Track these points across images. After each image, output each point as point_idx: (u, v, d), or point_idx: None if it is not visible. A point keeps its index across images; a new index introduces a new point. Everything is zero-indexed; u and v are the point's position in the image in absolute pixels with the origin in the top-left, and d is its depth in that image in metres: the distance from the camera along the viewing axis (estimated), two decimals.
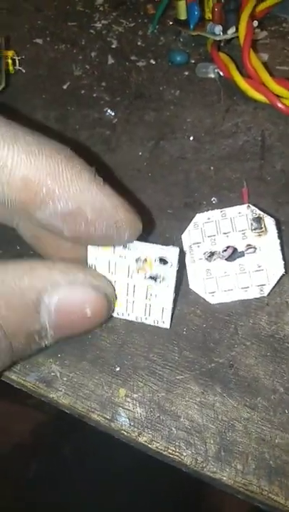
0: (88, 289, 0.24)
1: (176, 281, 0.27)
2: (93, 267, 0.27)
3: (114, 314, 0.29)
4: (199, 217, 0.31)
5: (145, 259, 0.27)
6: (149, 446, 0.26)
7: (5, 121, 0.23)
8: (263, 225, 0.30)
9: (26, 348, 0.24)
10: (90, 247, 0.27)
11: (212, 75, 0.44)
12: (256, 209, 0.30)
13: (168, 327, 0.29)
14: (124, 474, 0.85)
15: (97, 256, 0.27)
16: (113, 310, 0.28)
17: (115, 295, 0.27)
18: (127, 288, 0.28)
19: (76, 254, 0.27)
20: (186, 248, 0.31)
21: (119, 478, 0.85)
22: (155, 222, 0.35)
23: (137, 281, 0.27)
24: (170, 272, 0.26)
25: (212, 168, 0.37)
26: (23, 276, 0.23)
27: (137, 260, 0.27)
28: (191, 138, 0.40)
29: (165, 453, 0.26)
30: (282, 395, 0.27)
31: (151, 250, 0.26)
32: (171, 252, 0.26)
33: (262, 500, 0.25)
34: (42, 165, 0.22)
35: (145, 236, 0.26)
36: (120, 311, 0.29)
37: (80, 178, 0.23)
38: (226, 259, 0.30)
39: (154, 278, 0.27)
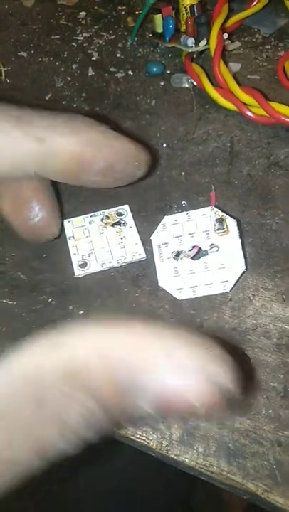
0: (201, 379, 0.19)
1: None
2: (73, 238, 0.36)
3: (99, 266, 0.34)
4: (167, 220, 0.33)
5: (107, 216, 0.37)
6: (120, 432, 0.28)
7: (39, 112, 0.28)
8: (225, 226, 0.32)
9: (125, 419, 0.23)
10: (65, 223, 0.36)
11: (186, 85, 0.46)
12: (219, 211, 0.32)
13: (145, 256, 0.35)
14: (115, 474, 0.86)
15: (73, 228, 0.37)
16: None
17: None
18: (102, 242, 0.36)
19: None
20: (155, 248, 0.33)
21: (115, 474, 0.87)
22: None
23: (108, 233, 0.36)
24: (128, 218, 0.37)
25: (183, 173, 0.40)
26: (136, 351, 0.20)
27: (102, 219, 0.37)
28: (164, 145, 0.42)
29: (133, 438, 0.28)
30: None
31: (110, 209, 0.37)
32: (124, 206, 0.37)
33: (221, 481, 0.27)
34: (80, 139, 0.28)
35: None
36: (104, 261, 0.35)
37: (107, 139, 0.29)
38: (191, 258, 0.32)
39: (118, 224, 0.36)
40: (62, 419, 0.20)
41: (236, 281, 0.31)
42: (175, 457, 0.27)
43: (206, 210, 0.32)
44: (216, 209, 0.32)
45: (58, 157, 0.28)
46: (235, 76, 0.43)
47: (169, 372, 0.19)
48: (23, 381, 0.20)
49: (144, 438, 0.28)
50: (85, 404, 0.20)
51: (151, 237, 0.33)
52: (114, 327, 0.20)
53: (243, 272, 0.31)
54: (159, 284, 0.32)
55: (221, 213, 0.32)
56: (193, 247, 0.32)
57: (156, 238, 0.33)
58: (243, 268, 0.31)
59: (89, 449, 0.21)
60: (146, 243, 0.35)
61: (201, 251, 0.32)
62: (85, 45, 0.54)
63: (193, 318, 0.32)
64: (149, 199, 0.38)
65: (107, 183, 0.31)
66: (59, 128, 0.28)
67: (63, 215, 0.38)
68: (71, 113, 0.30)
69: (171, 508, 0.86)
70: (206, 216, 0.32)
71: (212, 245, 0.32)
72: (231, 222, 0.32)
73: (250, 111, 0.41)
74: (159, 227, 0.33)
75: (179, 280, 0.32)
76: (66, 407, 0.20)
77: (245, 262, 0.32)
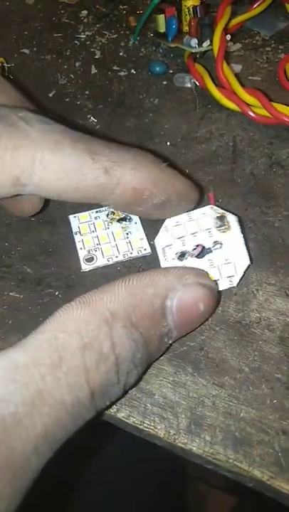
0: (199, 287, 0.27)
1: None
2: (79, 233, 0.37)
3: (105, 261, 0.35)
4: (168, 222, 0.34)
5: (112, 212, 0.37)
6: (127, 421, 0.29)
7: (106, 144, 0.29)
8: (226, 222, 0.33)
9: (158, 351, 0.28)
10: (71, 218, 0.37)
11: (188, 85, 0.47)
12: (219, 208, 0.33)
13: (150, 252, 0.35)
14: (109, 470, 0.87)
15: (79, 224, 0.37)
16: (219, 302, 0.33)
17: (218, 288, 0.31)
18: (108, 237, 0.36)
19: None
20: (159, 251, 0.33)
21: (106, 474, 0.87)
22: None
23: (113, 228, 0.37)
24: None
25: (187, 171, 0.40)
26: (147, 287, 0.26)
27: (107, 215, 0.37)
28: (168, 143, 0.43)
29: (141, 427, 0.29)
30: (247, 375, 0.30)
31: None
32: None
33: (228, 468, 0.28)
34: (143, 175, 0.29)
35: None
36: (110, 256, 0.35)
37: (167, 176, 0.31)
38: (196, 257, 0.33)
39: (124, 219, 0.37)
40: (114, 354, 0.24)
41: (242, 276, 0.32)
42: (182, 445, 0.28)
43: (206, 209, 0.33)
44: (215, 207, 0.33)
45: (121, 190, 0.29)
46: (237, 77, 0.44)
47: (182, 290, 0.27)
48: (69, 332, 0.24)
49: (152, 427, 0.29)
50: (132, 337, 0.25)
51: (154, 241, 0.34)
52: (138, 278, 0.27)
53: (248, 266, 0.32)
54: None
55: (221, 211, 0.33)
56: (197, 245, 0.33)
57: (159, 241, 0.34)
58: (247, 262, 0.32)
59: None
60: (151, 238, 0.36)
61: (205, 249, 0.33)
62: (87, 43, 0.54)
63: None
64: None
65: (159, 216, 0.33)
66: (126, 162, 0.29)
67: (69, 210, 0.39)
68: (135, 149, 0.31)
69: (162, 508, 0.87)
70: (206, 215, 0.33)
71: (215, 242, 0.33)
72: (232, 218, 0.33)
73: (253, 111, 0.42)
74: (162, 230, 0.34)
75: None
76: (115, 341, 0.24)
77: (250, 256, 0.32)
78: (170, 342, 0.28)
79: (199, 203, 0.33)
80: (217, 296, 0.29)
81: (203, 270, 0.31)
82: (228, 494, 0.88)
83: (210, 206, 0.33)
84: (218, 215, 0.32)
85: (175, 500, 0.90)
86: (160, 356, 0.30)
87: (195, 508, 0.92)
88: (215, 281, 0.31)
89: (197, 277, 0.28)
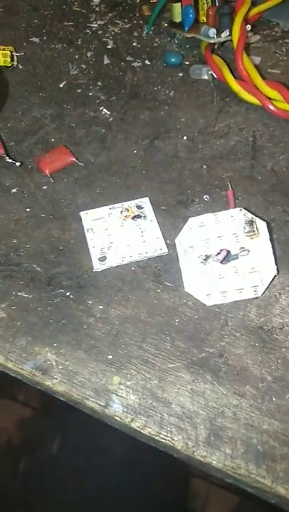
0: None
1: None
2: (91, 230, 0.35)
3: (119, 261, 0.33)
4: (192, 221, 0.32)
5: (126, 209, 0.36)
6: (142, 431, 0.27)
7: None
8: (255, 228, 0.31)
9: None
10: (82, 215, 0.36)
11: (205, 77, 0.45)
12: (248, 212, 0.31)
13: (166, 251, 0.33)
14: (110, 467, 0.86)
15: (91, 220, 0.35)
16: None
17: None
18: (122, 235, 0.34)
19: None
20: (180, 251, 0.32)
21: (105, 471, 0.86)
22: None
23: (128, 225, 0.35)
24: (148, 211, 0.36)
25: (204, 166, 0.39)
26: None
27: (121, 212, 0.36)
28: (185, 137, 0.41)
29: (157, 438, 0.27)
30: (270, 384, 0.28)
31: (130, 202, 0.36)
32: (144, 199, 0.36)
33: (249, 483, 0.26)
34: None
35: None
36: (124, 255, 0.33)
37: None
38: (220, 262, 0.31)
39: (138, 217, 0.35)
40: None
41: (268, 286, 0.30)
42: (201, 459, 0.27)
43: (235, 211, 0.31)
44: (244, 210, 0.31)
45: None
46: (257, 69, 0.42)
47: None
48: None
49: (169, 438, 0.27)
50: None
51: (175, 240, 0.32)
52: None
53: (275, 276, 0.30)
54: (186, 289, 0.31)
55: (251, 215, 0.31)
56: (222, 250, 0.31)
57: (181, 241, 0.32)
58: (274, 272, 0.30)
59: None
60: (168, 237, 0.34)
61: (230, 254, 0.31)
62: (99, 32, 0.52)
63: (217, 316, 0.31)
64: (169, 192, 0.37)
65: None
66: None
67: (80, 206, 0.37)
68: None
69: (164, 506, 0.86)
70: (234, 218, 0.31)
71: (242, 248, 0.31)
72: (261, 225, 0.31)
73: (274, 105, 0.40)
74: (185, 229, 0.32)
75: (207, 285, 0.31)
76: None
77: (276, 264, 0.31)
78: None
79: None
80: None
81: None
82: (230, 492, 0.87)
83: (239, 209, 0.31)
84: (248, 219, 0.31)
85: (176, 498, 0.89)
86: None
87: (196, 506, 0.91)
88: None
89: None
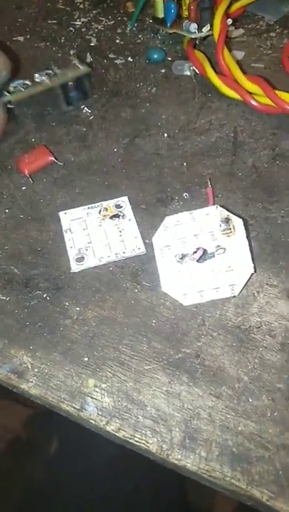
0: None
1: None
2: (69, 231, 0.34)
3: (97, 261, 0.33)
4: (169, 220, 0.31)
5: (105, 208, 0.35)
6: (116, 434, 0.27)
7: None
8: (231, 226, 0.30)
9: None
10: (61, 215, 0.35)
11: (188, 73, 0.45)
12: (224, 210, 0.31)
13: (144, 251, 0.33)
14: (113, 468, 0.86)
15: (70, 220, 0.35)
16: None
17: None
18: (100, 235, 0.34)
19: None
20: (156, 251, 0.31)
21: (108, 472, 0.86)
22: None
23: (106, 225, 0.34)
24: (126, 210, 0.35)
25: (185, 164, 0.38)
26: None
27: (100, 211, 0.35)
28: (166, 134, 0.40)
29: (131, 441, 0.27)
30: (247, 384, 0.28)
31: (109, 201, 0.36)
32: (123, 198, 0.36)
33: (224, 486, 0.26)
34: None
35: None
36: (102, 256, 0.33)
37: None
38: (196, 261, 0.30)
39: (117, 216, 0.35)
40: None
41: (245, 284, 0.30)
42: (176, 462, 0.26)
43: (211, 209, 0.31)
44: (220, 208, 0.31)
45: None
46: (239, 64, 0.41)
47: None
48: None
49: (144, 441, 0.27)
50: None
51: (152, 239, 0.31)
52: None
53: (252, 274, 0.30)
54: (163, 289, 0.31)
55: (227, 213, 0.30)
56: (198, 248, 0.30)
57: (157, 240, 0.31)
58: (251, 270, 0.30)
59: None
60: (146, 237, 0.34)
61: (206, 253, 0.31)
62: (83, 30, 0.52)
63: (194, 316, 0.31)
64: (149, 190, 0.37)
65: None
66: None
67: (59, 206, 0.36)
68: None
69: (165, 507, 0.86)
70: (210, 216, 0.31)
71: (218, 247, 0.30)
72: (238, 222, 0.30)
73: (255, 100, 0.39)
74: (161, 229, 0.31)
75: (184, 285, 0.31)
76: None
77: (253, 262, 0.30)
78: None
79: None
80: None
81: None
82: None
83: (215, 206, 0.31)
84: (224, 217, 0.30)
85: (178, 498, 0.89)
86: None
87: (198, 505, 0.90)
88: None
89: None
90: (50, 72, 0.41)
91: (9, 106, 0.40)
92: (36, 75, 0.41)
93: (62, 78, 0.41)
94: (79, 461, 0.88)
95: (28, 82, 0.40)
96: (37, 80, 0.41)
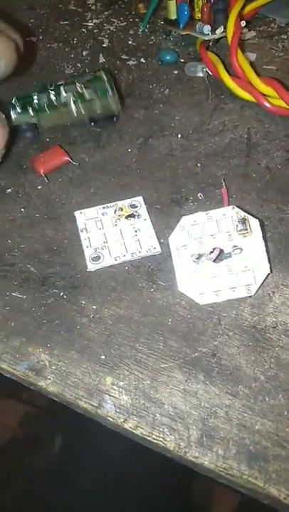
0: None
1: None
2: (85, 230, 0.35)
3: (113, 260, 0.33)
4: (185, 220, 0.32)
5: (121, 208, 0.36)
6: (134, 432, 0.27)
7: None
8: (248, 226, 0.31)
9: None
10: (77, 215, 0.35)
11: (201, 74, 0.45)
12: (241, 210, 0.31)
13: (160, 251, 0.33)
14: (115, 464, 0.86)
15: (85, 220, 0.35)
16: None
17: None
18: (116, 235, 0.34)
19: None
20: (173, 251, 0.32)
21: (110, 468, 0.86)
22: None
23: (121, 225, 0.35)
24: (142, 210, 0.35)
25: (199, 165, 0.38)
26: None
27: (115, 211, 0.35)
28: (179, 135, 0.41)
29: (149, 438, 0.27)
30: (263, 383, 0.28)
31: (124, 201, 0.36)
32: (138, 198, 0.36)
33: (242, 484, 0.26)
34: None
35: None
36: (118, 255, 0.33)
37: None
38: (213, 261, 0.31)
39: (132, 216, 0.35)
40: None
41: (261, 284, 0.30)
42: (193, 459, 0.26)
43: (228, 209, 0.31)
44: (237, 208, 0.31)
45: None
46: (252, 66, 0.42)
47: None
48: None
49: (161, 439, 0.27)
50: None
51: (168, 239, 0.32)
52: None
53: (268, 275, 0.30)
54: (179, 289, 0.31)
55: (243, 213, 0.31)
56: (214, 248, 0.31)
57: (174, 240, 0.32)
58: (267, 271, 0.30)
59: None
60: (161, 237, 0.34)
61: (223, 253, 0.31)
62: (95, 31, 0.52)
63: (210, 315, 0.31)
64: (163, 191, 0.37)
65: None
66: None
67: (74, 206, 0.37)
68: None
69: (167, 504, 0.86)
70: (227, 216, 0.31)
71: (235, 247, 0.31)
72: (254, 223, 0.31)
73: (269, 102, 0.40)
74: (177, 229, 0.32)
75: (200, 284, 0.31)
76: None
77: (269, 263, 0.30)
78: None
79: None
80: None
81: None
82: (233, 490, 0.86)
83: (231, 207, 0.31)
84: (240, 217, 0.30)
85: (180, 496, 0.89)
86: None
87: (200, 503, 0.91)
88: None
89: None
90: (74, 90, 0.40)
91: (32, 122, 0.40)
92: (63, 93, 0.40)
93: (89, 108, 0.40)
94: (82, 458, 0.88)
95: (52, 94, 0.39)
96: (63, 100, 0.40)
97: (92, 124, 0.41)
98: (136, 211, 0.36)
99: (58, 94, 0.40)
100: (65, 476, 0.87)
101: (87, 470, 0.87)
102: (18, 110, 0.39)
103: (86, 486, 0.85)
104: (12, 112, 0.39)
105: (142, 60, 0.48)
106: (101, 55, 0.49)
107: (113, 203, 0.36)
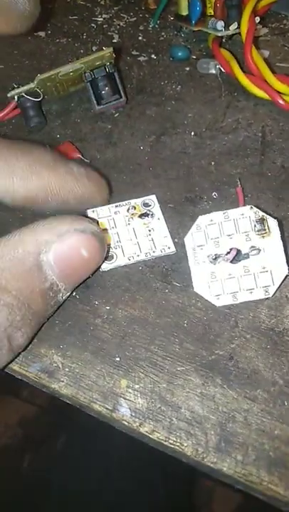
0: (75, 234, 0.26)
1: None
2: None
3: (126, 260, 0.32)
4: (202, 219, 0.31)
5: (134, 207, 0.34)
6: (150, 436, 0.27)
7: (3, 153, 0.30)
8: (266, 227, 0.30)
9: (47, 307, 0.27)
10: (89, 213, 0.34)
11: (213, 71, 0.44)
12: (259, 210, 0.30)
13: (174, 250, 0.33)
14: (116, 464, 0.86)
15: (98, 218, 0.34)
16: (108, 244, 0.33)
17: (101, 230, 0.29)
18: (129, 234, 0.33)
19: None
20: (189, 251, 0.31)
21: (111, 468, 0.86)
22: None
23: (134, 224, 0.34)
24: (155, 209, 0.34)
25: (213, 163, 0.38)
26: (15, 247, 0.25)
27: (128, 210, 0.34)
28: (192, 133, 0.40)
29: (166, 443, 0.26)
30: (282, 387, 0.27)
31: (137, 200, 0.35)
32: (151, 196, 0.35)
33: (261, 491, 0.25)
34: (34, 185, 0.30)
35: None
36: (131, 255, 0.33)
37: (64, 182, 0.31)
38: (230, 262, 0.30)
39: (145, 215, 0.34)
40: None
41: (279, 286, 0.30)
42: (211, 465, 0.26)
43: (245, 209, 0.30)
44: (255, 208, 0.30)
45: (14, 197, 0.30)
46: (266, 63, 0.41)
47: (57, 240, 0.26)
48: None
49: (178, 444, 0.26)
50: (5, 302, 0.24)
51: (184, 239, 0.31)
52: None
53: (286, 276, 0.30)
54: (195, 290, 0.30)
55: (262, 213, 0.30)
56: (232, 249, 0.30)
57: (190, 240, 0.31)
58: (286, 272, 0.29)
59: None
60: (175, 236, 0.34)
61: (240, 254, 0.30)
62: (104, 26, 0.51)
63: (227, 317, 0.30)
64: (176, 189, 0.36)
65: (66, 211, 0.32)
66: (18, 171, 0.30)
67: None
68: (37, 150, 0.31)
69: (169, 504, 0.86)
70: (245, 216, 0.30)
71: (252, 247, 0.30)
72: (273, 223, 0.30)
73: (284, 99, 0.39)
74: (193, 228, 0.31)
75: (217, 286, 0.30)
76: None
77: (288, 263, 0.30)
78: (61, 295, 0.28)
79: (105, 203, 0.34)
80: (102, 237, 0.27)
81: (79, 216, 0.28)
82: (235, 490, 0.86)
83: (249, 206, 0.30)
84: (259, 217, 0.30)
85: (182, 496, 0.89)
86: (56, 310, 0.29)
87: (201, 504, 0.90)
88: (95, 221, 0.32)
89: (72, 224, 0.26)
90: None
91: (35, 99, 0.40)
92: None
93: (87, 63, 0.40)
94: (84, 457, 0.88)
95: None
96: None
97: (100, 106, 0.41)
98: (149, 210, 0.35)
99: None
100: (65, 476, 0.87)
101: (88, 470, 0.86)
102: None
103: (86, 486, 0.85)
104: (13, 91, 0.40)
105: (153, 56, 0.47)
106: None
107: (126, 202, 0.35)
